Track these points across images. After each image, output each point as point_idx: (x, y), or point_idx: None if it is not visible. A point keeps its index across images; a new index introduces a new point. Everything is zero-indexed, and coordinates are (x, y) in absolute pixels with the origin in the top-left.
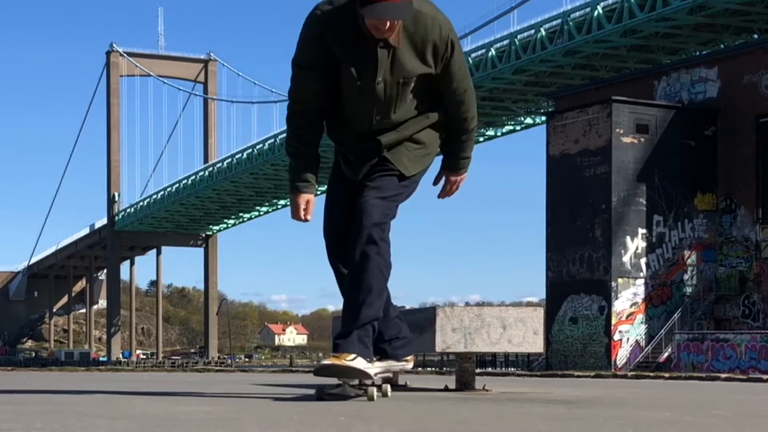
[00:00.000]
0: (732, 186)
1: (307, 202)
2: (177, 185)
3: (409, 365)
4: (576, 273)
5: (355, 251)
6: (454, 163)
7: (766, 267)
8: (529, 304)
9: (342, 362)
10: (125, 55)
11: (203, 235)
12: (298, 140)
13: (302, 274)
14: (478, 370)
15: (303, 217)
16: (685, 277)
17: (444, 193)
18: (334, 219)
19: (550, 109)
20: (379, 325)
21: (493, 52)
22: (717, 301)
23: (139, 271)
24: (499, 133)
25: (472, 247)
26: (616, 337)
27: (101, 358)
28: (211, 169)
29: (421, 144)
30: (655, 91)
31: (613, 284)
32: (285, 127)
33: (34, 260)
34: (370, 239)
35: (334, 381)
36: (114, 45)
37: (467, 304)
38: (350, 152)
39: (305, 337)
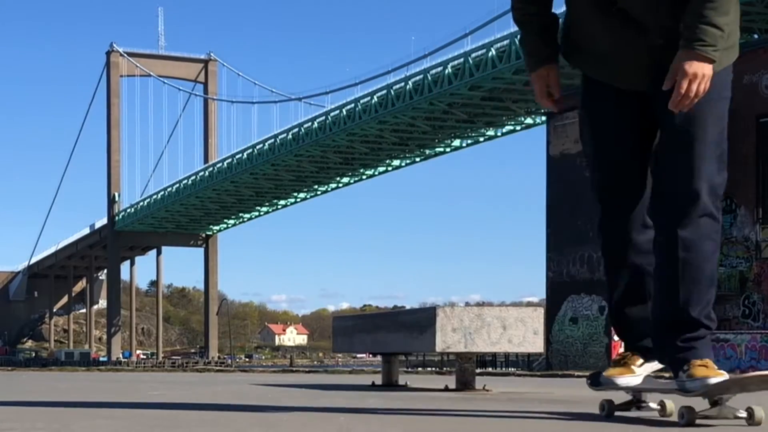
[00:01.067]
0: (732, 186)
1: (548, 78)
2: (177, 185)
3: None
4: (576, 273)
5: (685, 227)
6: (682, 33)
7: (767, 267)
8: (530, 304)
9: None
10: (125, 55)
11: (203, 235)
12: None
13: (302, 274)
14: (478, 370)
15: (548, 104)
16: None
17: (672, 100)
18: (605, 166)
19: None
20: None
21: (493, 52)
22: (717, 301)
23: (139, 271)
24: (499, 133)
25: (472, 247)
26: (617, 337)
27: (101, 358)
28: (211, 169)
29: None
30: None
31: None
32: (286, 127)
33: (34, 260)
34: (707, 211)
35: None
36: (114, 45)
37: (467, 304)
38: (605, 31)
39: (305, 337)
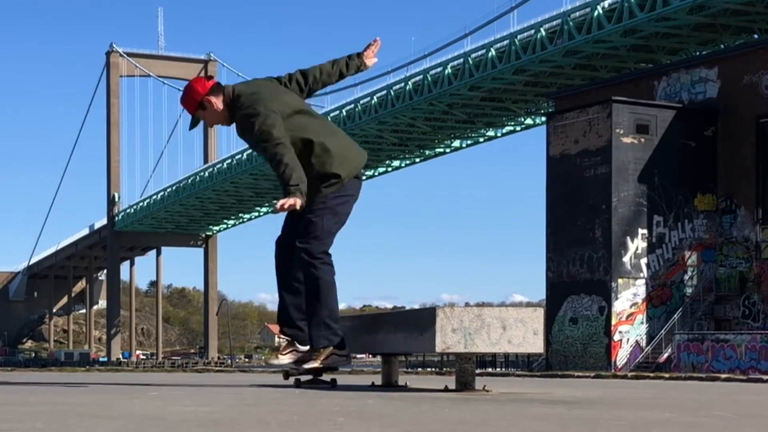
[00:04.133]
0: (732, 186)
1: None
2: (177, 186)
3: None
4: (576, 273)
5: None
6: None
7: (766, 267)
8: (529, 304)
9: None
10: (125, 55)
11: (203, 235)
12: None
13: None
14: (478, 371)
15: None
16: (685, 277)
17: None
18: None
19: (550, 110)
20: None
21: (493, 52)
22: (717, 302)
23: (139, 271)
24: (499, 134)
25: (472, 248)
26: (616, 337)
27: (101, 359)
28: (210, 169)
29: None
30: (655, 91)
31: (613, 284)
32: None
33: (34, 260)
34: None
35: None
36: (114, 45)
37: (467, 304)
38: None
39: None
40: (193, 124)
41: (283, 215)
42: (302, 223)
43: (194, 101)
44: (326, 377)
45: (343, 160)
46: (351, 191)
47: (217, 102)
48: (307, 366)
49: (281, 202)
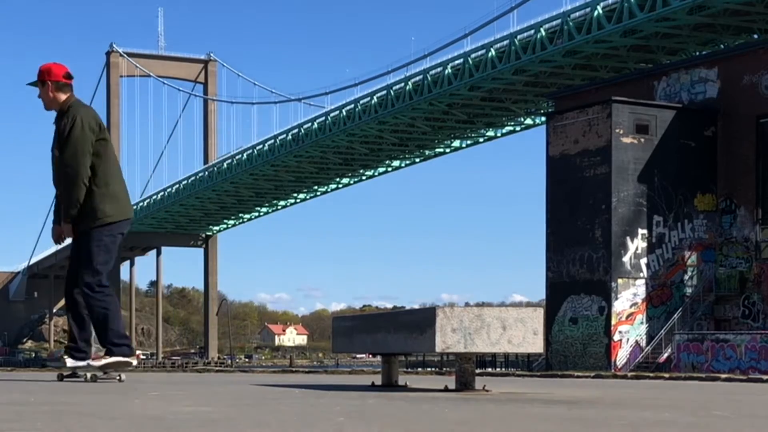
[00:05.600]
0: (732, 186)
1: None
2: (177, 186)
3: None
4: (576, 273)
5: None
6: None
7: (766, 267)
8: (529, 305)
9: None
10: (125, 55)
11: (203, 235)
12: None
13: (302, 275)
14: (477, 371)
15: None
16: (685, 277)
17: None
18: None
19: (550, 110)
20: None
21: (493, 52)
22: (717, 302)
23: (139, 271)
24: (499, 134)
25: (472, 248)
26: (616, 337)
27: None
28: (210, 169)
29: None
30: (655, 91)
31: (613, 284)
32: (285, 128)
33: (34, 260)
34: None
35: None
36: (114, 45)
37: (467, 304)
38: None
39: (305, 337)
40: (32, 84)
41: None
42: (81, 259)
43: (44, 77)
44: (115, 375)
45: (117, 201)
46: (121, 231)
47: (55, 94)
48: (99, 363)
49: (64, 232)
